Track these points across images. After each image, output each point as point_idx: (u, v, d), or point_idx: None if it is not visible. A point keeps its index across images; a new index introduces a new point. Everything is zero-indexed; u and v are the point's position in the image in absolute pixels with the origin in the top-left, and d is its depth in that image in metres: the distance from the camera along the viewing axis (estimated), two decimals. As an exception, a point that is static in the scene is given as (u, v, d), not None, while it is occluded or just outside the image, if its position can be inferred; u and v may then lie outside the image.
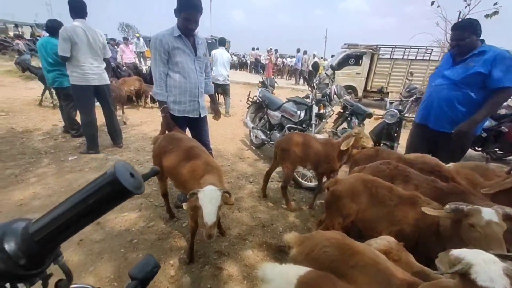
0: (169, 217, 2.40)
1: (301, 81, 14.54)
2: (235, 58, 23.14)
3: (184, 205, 1.56)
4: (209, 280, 1.82)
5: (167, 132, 2.35)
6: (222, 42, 6.49)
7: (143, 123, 5.35)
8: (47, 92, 5.72)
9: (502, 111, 4.01)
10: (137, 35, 15.55)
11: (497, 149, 4.42)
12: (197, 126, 2.56)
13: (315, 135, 3.25)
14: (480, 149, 4.49)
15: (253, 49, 18.47)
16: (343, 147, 2.49)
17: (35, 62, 8.98)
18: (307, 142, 2.65)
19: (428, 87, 2.54)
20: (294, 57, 20.06)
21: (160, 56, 2.16)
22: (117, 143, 3.93)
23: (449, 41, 2.31)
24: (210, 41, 12.92)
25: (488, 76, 2.05)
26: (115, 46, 11.09)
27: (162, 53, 2.15)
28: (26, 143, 3.82)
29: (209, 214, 1.47)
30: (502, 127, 4.06)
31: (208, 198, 1.50)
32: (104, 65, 3.52)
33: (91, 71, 3.33)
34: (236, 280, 1.84)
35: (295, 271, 1.01)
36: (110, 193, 0.35)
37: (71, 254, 1.92)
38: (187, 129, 2.58)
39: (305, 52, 14.54)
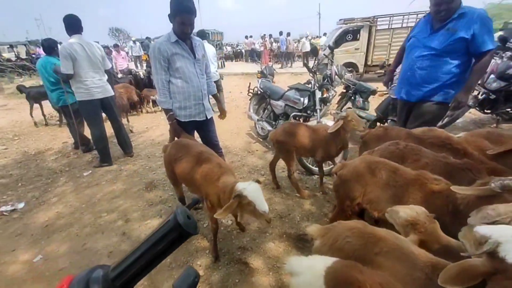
0: (189, 220, 2.47)
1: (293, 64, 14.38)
2: (229, 48, 22.85)
3: (218, 214, 1.55)
4: (236, 275, 1.90)
5: (176, 138, 2.39)
6: (202, 36, 6.00)
7: (149, 129, 5.41)
8: (50, 110, 5.82)
9: (510, 71, 3.89)
10: (133, 38, 15.51)
11: (508, 109, 4.33)
12: (205, 128, 2.58)
13: (321, 120, 3.24)
14: (489, 111, 4.40)
15: (246, 37, 18.14)
16: (330, 130, 2.47)
17: (35, 81, 9.10)
18: (300, 131, 2.65)
19: (405, 59, 2.42)
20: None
21: (160, 64, 2.17)
22: (128, 153, 4.01)
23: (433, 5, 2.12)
24: (202, 36, 12.74)
25: (471, 40, 1.99)
26: (109, 54, 11.07)
27: (162, 61, 2.16)
28: (40, 164, 3.94)
29: (263, 204, 1.56)
30: (512, 87, 3.96)
31: (256, 192, 1.57)
32: (106, 77, 3.54)
33: (95, 85, 3.37)
34: (262, 273, 1.91)
35: (322, 262, 1.04)
36: (175, 237, 0.42)
37: (103, 267, 2.01)
38: (196, 131, 2.60)
39: (288, 34, 14.55)
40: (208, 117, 2.52)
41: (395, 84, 3.57)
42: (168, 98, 2.28)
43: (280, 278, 1.85)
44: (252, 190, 1.56)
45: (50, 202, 2.93)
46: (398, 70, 2.84)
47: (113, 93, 3.67)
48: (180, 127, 2.36)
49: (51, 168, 3.78)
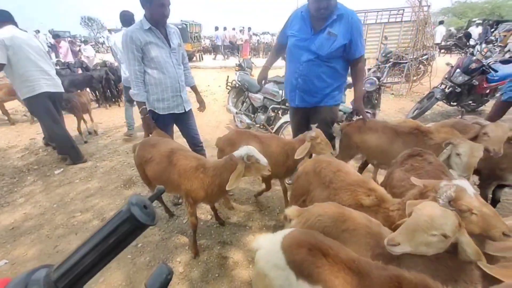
0: (168, 216, 2.43)
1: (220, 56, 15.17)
2: (207, 41, 22.28)
3: (231, 185, 1.64)
4: (216, 270, 1.90)
5: (149, 134, 2.31)
6: None
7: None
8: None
9: (473, 66, 4.15)
10: (108, 28, 14.86)
11: (470, 102, 4.64)
12: (184, 121, 2.52)
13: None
14: (455, 103, 4.70)
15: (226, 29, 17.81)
16: (297, 156, 2.03)
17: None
18: (247, 142, 2.19)
19: (291, 62, 2.25)
20: (267, 33, 19.63)
21: (133, 54, 2.06)
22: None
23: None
24: (180, 27, 12.35)
25: (348, 46, 2.02)
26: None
27: (135, 50, 2.05)
28: (3, 163, 3.66)
29: (263, 158, 1.73)
30: (474, 81, 4.24)
31: (255, 150, 1.72)
32: (54, 70, 3.27)
33: (43, 76, 3.06)
34: (242, 266, 1.93)
35: (281, 232, 1.14)
36: (128, 230, 0.37)
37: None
38: (174, 124, 2.53)
39: (224, 29, 15.37)
40: (187, 109, 2.45)
41: (368, 78, 3.70)
42: (142, 90, 2.18)
43: (260, 270, 1.88)
44: (253, 149, 1.72)
45: (16, 203, 2.75)
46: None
47: (63, 90, 3.40)
48: (153, 122, 2.28)
49: (16, 166, 3.53)
